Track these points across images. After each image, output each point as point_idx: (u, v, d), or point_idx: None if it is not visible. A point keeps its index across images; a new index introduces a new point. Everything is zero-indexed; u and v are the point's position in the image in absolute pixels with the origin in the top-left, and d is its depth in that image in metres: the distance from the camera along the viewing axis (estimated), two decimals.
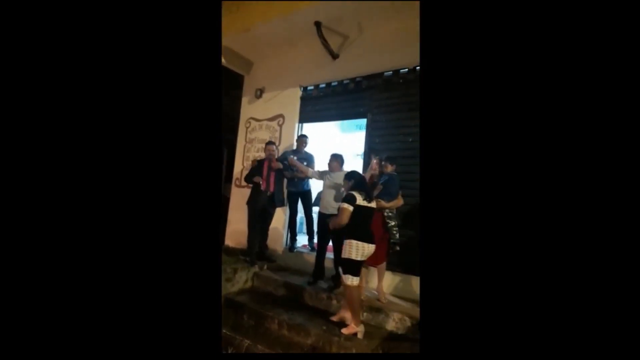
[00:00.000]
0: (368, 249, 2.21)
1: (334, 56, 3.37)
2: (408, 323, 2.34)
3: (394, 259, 2.70)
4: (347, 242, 2.23)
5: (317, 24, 3.12)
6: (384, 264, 2.64)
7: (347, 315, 2.34)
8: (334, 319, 2.42)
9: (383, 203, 2.52)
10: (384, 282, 2.68)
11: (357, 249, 2.18)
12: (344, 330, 2.25)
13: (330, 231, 2.50)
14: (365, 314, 2.48)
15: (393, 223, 2.59)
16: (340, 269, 2.38)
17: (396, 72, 3.09)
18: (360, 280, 2.27)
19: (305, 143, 3.45)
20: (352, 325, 2.26)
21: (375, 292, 2.68)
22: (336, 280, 2.71)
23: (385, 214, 2.58)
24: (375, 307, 2.50)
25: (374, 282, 2.72)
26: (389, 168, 2.64)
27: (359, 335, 2.22)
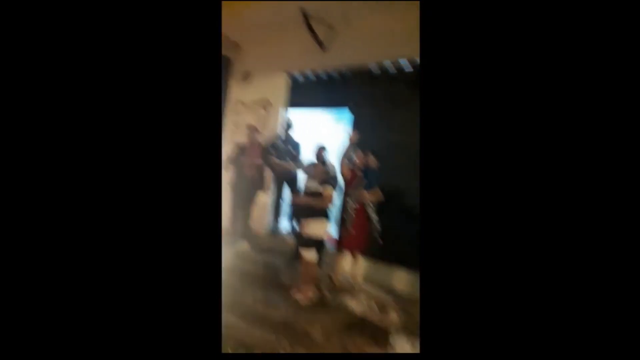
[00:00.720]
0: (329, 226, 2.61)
1: (322, 47, 3.39)
2: (374, 307, 2.53)
3: (371, 246, 2.86)
4: (317, 221, 2.47)
5: (305, 15, 3.14)
6: (360, 250, 2.81)
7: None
8: (295, 295, 2.62)
9: (366, 195, 2.65)
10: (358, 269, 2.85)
11: (325, 227, 2.50)
12: (297, 296, 2.52)
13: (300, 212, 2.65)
14: (336, 296, 2.66)
15: (374, 215, 2.72)
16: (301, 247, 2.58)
17: (381, 65, 3.13)
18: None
19: (292, 130, 3.55)
20: (304, 289, 2.53)
21: (350, 278, 2.84)
22: (296, 258, 2.92)
23: (367, 204, 2.70)
24: (346, 291, 2.69)
25: (349, 267, 2.89)
26: (372, 161, 2.75)
27: (311, 297, 2.53)
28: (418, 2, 1.11)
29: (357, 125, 3.24)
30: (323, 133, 3.99)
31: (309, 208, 2.49)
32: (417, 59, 2.94)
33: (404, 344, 1.65)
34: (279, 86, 3.83)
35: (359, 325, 2.34)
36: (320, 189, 2.50)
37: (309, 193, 2.53)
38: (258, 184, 3.40)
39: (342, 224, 2.69)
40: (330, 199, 2.48)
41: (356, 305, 2.58)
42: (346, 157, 2.75)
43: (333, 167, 2.66)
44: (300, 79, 3.69)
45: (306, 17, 3.16)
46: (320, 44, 3.34)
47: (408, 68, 3.02)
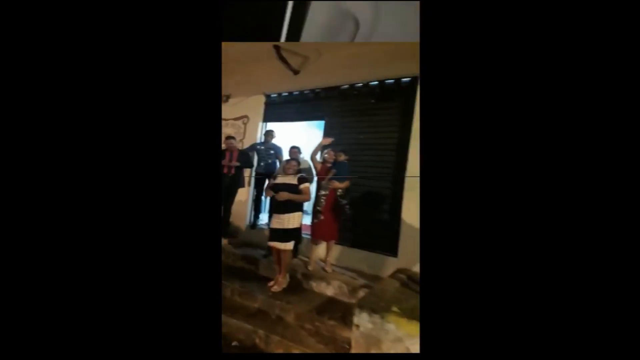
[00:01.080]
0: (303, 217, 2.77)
1: (295, 72, 3.68)
2: (345, 289, 2.63)
3: (343, 233, 3.01)
4: (296, 214, 2.64)
5: (276, 47, 3.36)
6: (334, 239, 2.95)
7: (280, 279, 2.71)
8: (270, 285, 2.70)
9: (337, 184, 2.80)
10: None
11: (300, 219, 2.67)
12: (273, 288, 2.62)
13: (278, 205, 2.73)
14: (310, 282, 2.76)
15: (344, 202, 2.86)
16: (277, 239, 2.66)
17: (351, 85, 3.43)
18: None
19: (272, 136, 3.85)
20: (280, 279, 2.64)
21: (323, 263, 2.95)
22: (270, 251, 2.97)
23: (338, 193, 2.82)
24: (320, 276, 2.79)
25: (323, 254, 3.01)
26: (341, 157, 3.02)
27: (284, 285, 2.65)
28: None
29: (328, 132, 3.50)
30: (300, 139, 4.21)
31: (286, 202, 2.59)
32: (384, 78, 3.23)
33: (365, 319, 1.75)
34: (257, 105, 4.14)
35: (331, 307, 2.44)
36: (294, 181, 2.60)
37: (283, 186, 2.62)
38: (238, 182, 3.50)
39: (316, 213, 2.81)
40: (308, 194, 2.63)
41: (328, 288, 2.70)
42: (317, 153, 2.94)
43: (305, 161, 2.78)
44: (277, 99, 4.02)
45: (278, 51, 3.36)
46: (293, 71, 3.57)
47: (373, 83, 3.33)
